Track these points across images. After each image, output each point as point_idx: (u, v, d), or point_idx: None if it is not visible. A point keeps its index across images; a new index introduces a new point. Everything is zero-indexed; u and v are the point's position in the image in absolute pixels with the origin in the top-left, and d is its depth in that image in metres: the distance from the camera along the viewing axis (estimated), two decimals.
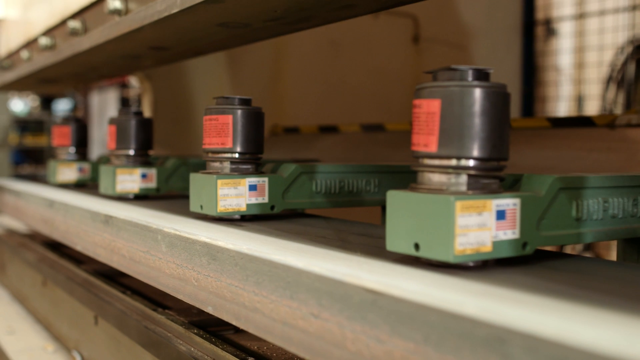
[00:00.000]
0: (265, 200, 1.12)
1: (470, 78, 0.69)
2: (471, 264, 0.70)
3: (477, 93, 0.68)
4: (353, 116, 2.78)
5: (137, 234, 1.08)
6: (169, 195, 1.57)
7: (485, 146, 0.69)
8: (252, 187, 1.11)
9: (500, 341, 0.47)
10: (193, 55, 1.83)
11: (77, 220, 1.37)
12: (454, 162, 0.69)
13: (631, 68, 4.22)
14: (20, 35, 2.13)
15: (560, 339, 0.44)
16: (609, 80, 4.24)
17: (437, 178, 0.70)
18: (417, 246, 0.69)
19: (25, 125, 8.13)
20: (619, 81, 4.29)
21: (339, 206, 1.21)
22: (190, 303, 0.91)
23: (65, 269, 1.63)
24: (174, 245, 0.96)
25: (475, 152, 0.69)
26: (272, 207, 1.13)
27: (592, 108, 4.39)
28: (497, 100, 0.70)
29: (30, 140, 8.15)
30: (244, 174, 1.11)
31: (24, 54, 2.05)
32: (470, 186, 0.69)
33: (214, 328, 1.08)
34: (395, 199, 0.71)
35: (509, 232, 0.70)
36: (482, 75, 0.70)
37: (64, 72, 1.99)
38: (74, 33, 1.58)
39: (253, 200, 1.11)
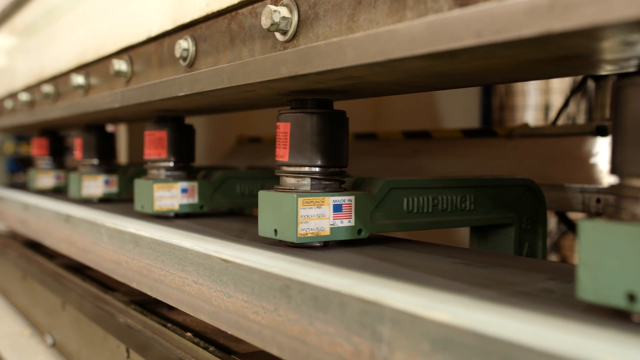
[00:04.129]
0: (196, 201, 1.36)
1: (313, 106, 0.93)
2: (317, 244, 0.93)
3: (316, 118, 0.92)
4: None
5: (87, 229, 1.32)
6: (129, 199, 1.80)
7: (324, 157, 0.93)
8: (184, 190, 1.35)
9: (287, 288, 0.71)
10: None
11: (46, 220, 1.61)
12: (300, 169, 0.93)
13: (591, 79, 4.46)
14: (4, 84, 2.40)
15: (317, 283, 0.68)
16: (572, 90, 4.48)
17: (289, 181, 0.94)
18: (275, 232, 0.92)
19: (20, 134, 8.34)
20: (582, 92, 4.53)
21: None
22: (122, 281, 1.15)
23: (38, 264, 1.87)
24: (112, 236, 1.20)
25: (317, 161, 0.92)
26: (202, 207, 1.37)
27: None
28: (334, 122, 0.94)
29: (25, 149, 8.36)
30: (177, 179, 1.35)
31: (8, 103, 2.32)
32: (313, 187, 0.93)
33: (151, 305, 1.32)
34: (262, 196, 0.95)
35: (345, 221, 0.94)
36: (323, 104, 0.94)
37: (40, 127, 2.26)
38: (47, 96, 1.84)
39: (185, 201, 1.35)
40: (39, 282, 1.85)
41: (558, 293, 0.66)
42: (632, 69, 0.60)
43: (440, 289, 0.65)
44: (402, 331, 0.57)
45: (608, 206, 1.36)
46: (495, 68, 0.68)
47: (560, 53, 0.58)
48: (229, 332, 0.81)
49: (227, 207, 1.42)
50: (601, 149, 1.51)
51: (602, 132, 1.53)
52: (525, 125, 1.75)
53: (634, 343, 0.48)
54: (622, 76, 0.56)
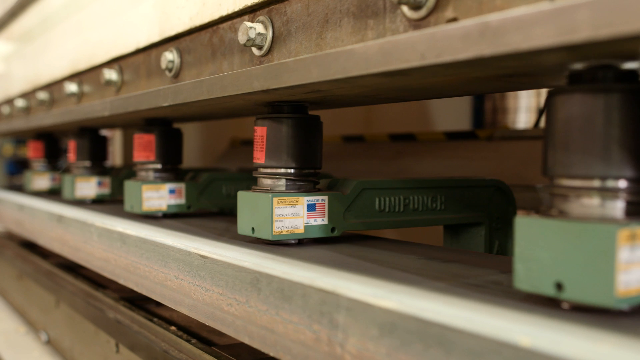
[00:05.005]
0: (183, 201, 1.42)
1: (288, 111, 0.99)
2: (292, 242, 0.99)
3: (291, 122, 0.98)
4: None
5: (79, 229, 1.38)
6: (121, 200, 1.86)
7: (298, 159, 0.98)
8: (172, 191, 1.41)
9: (257, 281, 0.77)
10: None
11: (40, 220, 1.67)
12: (276, 170, 0.98)
13: None
14: (2, 90, 2.47)
15: (283, 276, 0.73)
16: None
17: (266, 182, 0.99)
18: (253, 230, 0.98)
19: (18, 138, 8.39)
20: None
21: None
22: (110, 278, 1.20)
23: (33, 263, 1.92)
24: (101, 235, 1.25)
25: (292, 163, 0.98)
26: (189, 207, 1.42)
27: None
28: (308, 127, 0.99)
29: (24, 152, 8.41)
30: (165, 180, 1.41)
31: (5, 109, 2.38)
32: (288, 187, 0.98)
33: (140, 302, 1.38)
34: (240, 196, 1.01)
35: (319, 220, 0.99)
36: (298, 109, 1.00)
37: (35, 131, 2.32)
38: (42, 103, 1.90)
39: (172, 202, 1.40)
40: (34, 281, 1.91)
41: (505, 284, 0.71)
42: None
43: (394, 280, 0.70)
44: (355, 318, 0.62)
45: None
46: (448, 83, 0.74)
47: (500, 72, 0.64)
48: (207, 324, 0.87)
49: (213, 207, 1.47)
50: None
51: None
52: (506, 128, 1.80)
53: (551, 325, 0.53)
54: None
